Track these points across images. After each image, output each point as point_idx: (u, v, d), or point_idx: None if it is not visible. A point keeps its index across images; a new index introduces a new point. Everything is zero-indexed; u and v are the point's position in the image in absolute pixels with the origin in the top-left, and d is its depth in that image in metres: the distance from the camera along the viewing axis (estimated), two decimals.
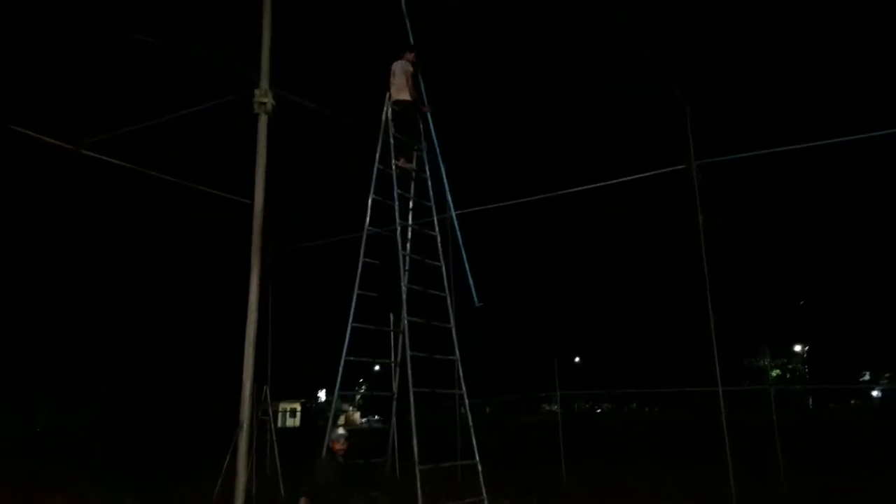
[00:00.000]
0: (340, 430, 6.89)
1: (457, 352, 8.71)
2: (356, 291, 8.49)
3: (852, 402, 53.65)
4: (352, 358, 8.39)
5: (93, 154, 8.91)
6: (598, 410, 61.68)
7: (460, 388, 8.73)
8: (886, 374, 51.70)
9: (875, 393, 52.98)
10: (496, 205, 11.30)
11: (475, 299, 9.15)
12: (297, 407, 71.42)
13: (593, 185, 9.32)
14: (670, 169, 7.68)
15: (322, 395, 74.70)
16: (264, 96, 3.89)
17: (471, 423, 8.34)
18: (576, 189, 9.68)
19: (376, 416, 67.48)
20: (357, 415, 74.09)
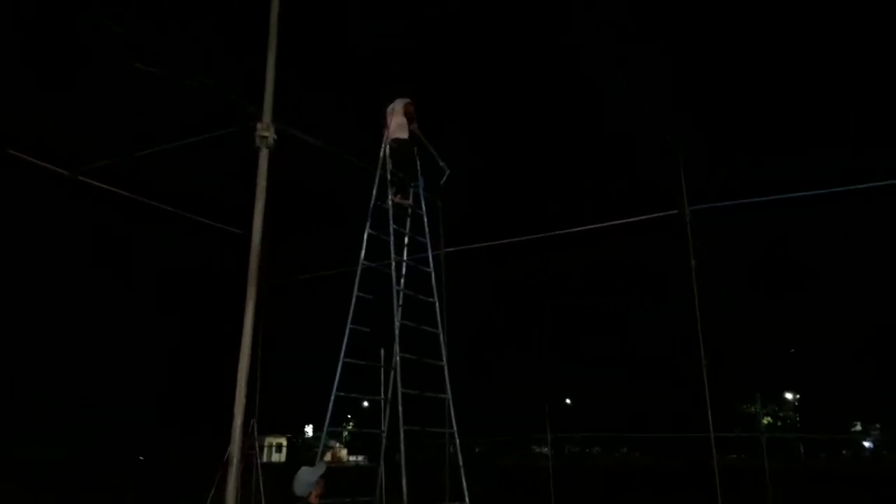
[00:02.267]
0: (311, 473, 5.41)
1: (448, 390, 8.65)
2: (349, 325, 8.46)
3: (843, 452, 53.27)
4: (342, 393, 8.32)
5: (89, 180, 8.96)
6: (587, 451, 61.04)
7: (451, 427, 8.64)
8: (877, 425, 51.46)
9: (866, 444, 52.63)
10: (487, 244, 11.38)
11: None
12: (284, 442, 70.38)
13: (586, 227, 9.42)
14: (663, 214, 7.76)
15: (309, 430, 73.66)
16: (266, 130, 3.93)
17: (461, 463, 8.25)
18: (569, 230, 9.77)
19: (359, 457, 66.49)
20: (344, 451, 73.01)
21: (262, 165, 3.98)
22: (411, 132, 9.42)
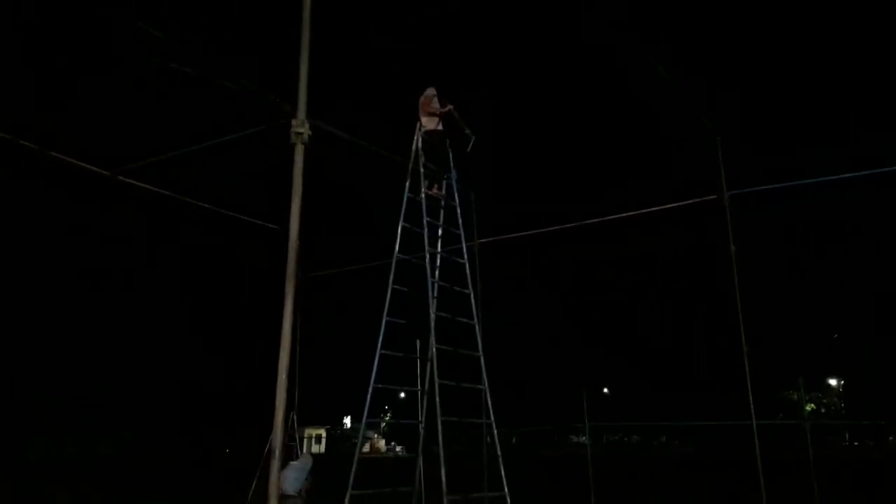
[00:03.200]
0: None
1: (485, 381, 8.66)
2: (385, 318, 8.53)
3: (890, 438, 52.00)
4: (379, 385, 8.40)
5: (128, 180, 9.16)
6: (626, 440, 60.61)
7: (488, 418, 8.66)
8: None
9: None
10: (523, 233, 11.33)
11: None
12: (323, 433, 71.35)
13: (623, 215, 9.30)
14: (701, 199, 7.64)
15: (348, 421, 74.54)
16: (301, 126, 3.97)
17: (499, 454, 8.26)
18: (605, 218, 9.67)
19: (398, 448, 67.00)
20: (382, 442, 73.75)
21: (297, 161, 4.02)
22: (448, 112, 9.42)
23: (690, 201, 7.71)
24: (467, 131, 9.31)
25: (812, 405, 53.09)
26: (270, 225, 10.80)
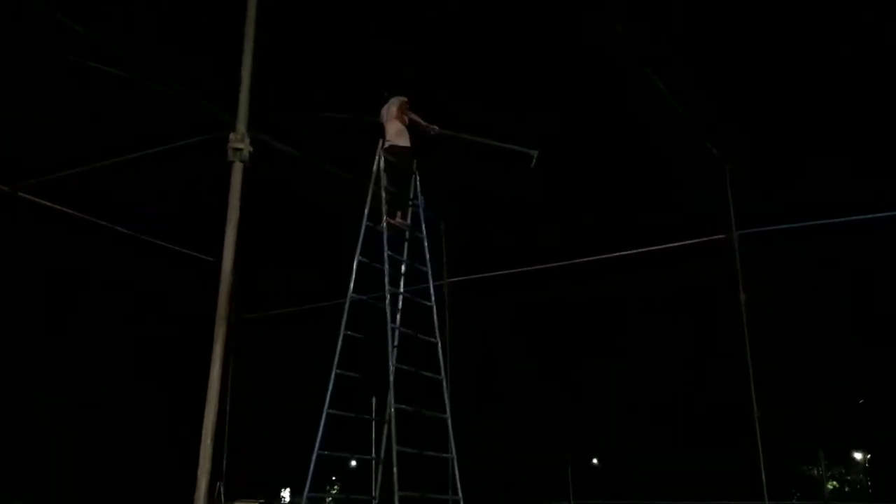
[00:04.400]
0: None
1: (453, 448, 8.60)
2: (335, 371, 8.45)
3: None
4: (325, 452, 8.28)
5: (32, 197, 9.03)
6: None
7: (456, 494, 8.58)
8: None
9: None
10: (501, 272, 11.41)
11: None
12: None
13: (618, 254, 9.44)
14: (707, 239, 7.79)
15: (286, 494, 73.06)
16: (240, 141, 3.98)
17: None
18: (598, 257, 9.79)
19: None
20: None
21: (234, 181, 4.02)
22: (430, 135, 9.47)
23: (695, 241, 7.85)
24: (532, 154, 9.21)
25: (834, 483, 53.57)
26: (202, 256, 10.73)
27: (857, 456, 56.11)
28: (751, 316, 7.89)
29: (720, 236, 7.90)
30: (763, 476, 7.62)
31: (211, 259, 10.66)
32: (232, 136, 4.01)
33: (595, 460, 57.11)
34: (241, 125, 3.99)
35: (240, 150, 3.97)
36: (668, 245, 8.52)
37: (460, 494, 8.52)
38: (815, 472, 39.33)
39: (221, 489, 12.13)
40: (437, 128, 9.54)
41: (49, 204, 9.00)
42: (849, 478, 56.44)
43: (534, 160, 9.06)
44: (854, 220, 8.44)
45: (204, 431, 3.72)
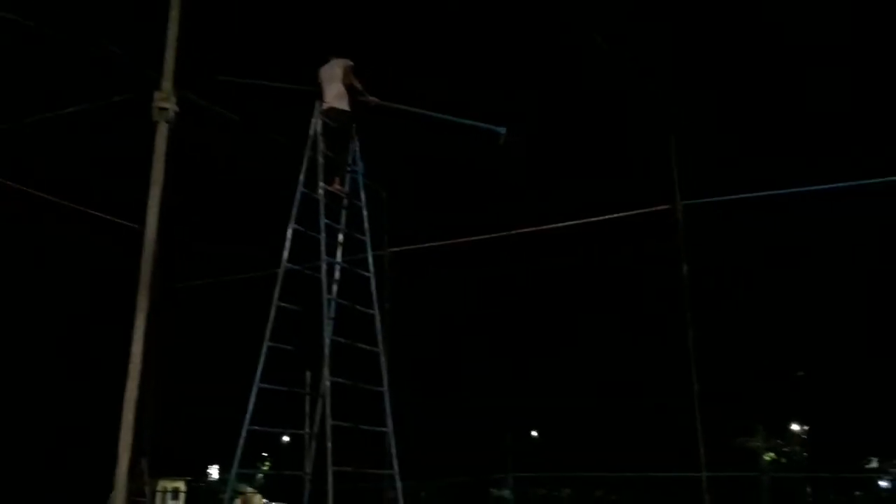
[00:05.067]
0: None
1: (389, 422, 8.65)
2: (266, 343, 8.39)
3: (857, 493, 55.07)
4: (256, 427, 8.24)
5: None
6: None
7: (391, 468, 8.65)
8: None
9: (883, 483, 54.49)
10: (442, 242, 11.43)
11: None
12: (182, 486, 69.19)
13: (560, 225, 9.54)
14: (651, 210, 7.92)
15: (215, 472, 72.53)
16: (166, 100, 3.87)
17: None
18: (540, 228, 9.88)
19: None
20: (258, 498, 72.15)
21: (159, 144, 3.93)
22: (369, 105, 9.38)
23: (638, 211, 7.98)
24: (500, 131, 9.02)
25: (772, 455, 55.52)
26: (125, 223, 10.48)
27: (795, 428, 58.27)
28: (693, 289, 8.07)
29: (664, 206, 8.04)
30: (701, 448, 7.86)
31: (137, 227, 10.43)
32: (157, 94, 3.90)
33: (535, 433, 58.16)
34: (167, 83, 3.89)
35: (165, 109, 3.87)
36: (612, 216, 8.63)
37: (396, 469, 8.58)
38: (753, 444, 40.71)
39: (146, 466, 11.98)
40: (377, 99, 9.47)
41: None
42: (786, 449, 58.63)
43: (502, 138, 9.01)
44: (798, 192, 8.68)
45: (125, 405, 3.67)
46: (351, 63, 9.44)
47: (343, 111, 9.28)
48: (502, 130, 9.01)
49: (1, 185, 8.96)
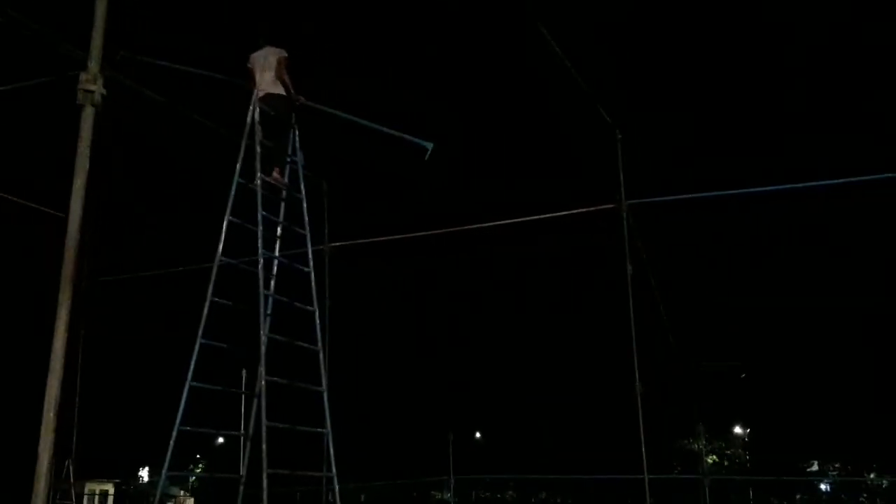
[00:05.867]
0: None
1: (328, 422, 8.60)
2: (199, 340, 8.26)
3: (798, 496, 56.67)
4: (188, 427, 8.12)
5: None
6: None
7: (330, 470, 8.61)
8: (836, 465, 54.89)
9: (823, 487, 56.16)
10: (384, 238, 11.42)
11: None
12: (110, 489, 67.84)
13: (503, 222, 9.60)
14: (595, 208, 8.02)
15: (145, 474, 71.28)
16: (92, 83, 3.77)
17: None
18: (483, 224, 9.93)
19: None
20: (191, 502, 71.18)
21: (85, 128, 3.82)
22: (296, 104, 9.29)
23: (583, 209, 8.07)
24: (427, 146, 8.91)
25: (714, 457, 56.77)
26: (49, 211, 10.22)
27: (738, 430, 59.66)
28: (636, 289, 8.20)
29: (609, 206, 8.14)
30: (643, 449, 7.99)
31: (62, 215, 10.17)
32: (82, 76, 3.79)
33: (478, 434, 58.47)
34: (94, 64, 3.79)
35: (91, 92, 3.76)
36: (556, 214, 8.71)
37: (334, 471, 8.55)
38: (696, 446, 41.58)
39: (70, 468, 11.71)
40: (303, 98, 9.38)
41: None
42: (728, 452, 60.00)
43: (428, 153, 8.97)
44: (744, 193, 8.88)
45: (46, 404, 3.57)
46: (286, 55, 9.33)
47: (281, 96, 9.19)
48: (429, 146, 8.98)
49: None
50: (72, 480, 11.85)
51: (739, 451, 60.03)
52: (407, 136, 9.01)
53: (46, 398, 3.62)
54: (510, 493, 63.41)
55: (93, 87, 3.76)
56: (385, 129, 9.10)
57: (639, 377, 7.96)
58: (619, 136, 8.23)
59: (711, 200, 8.78)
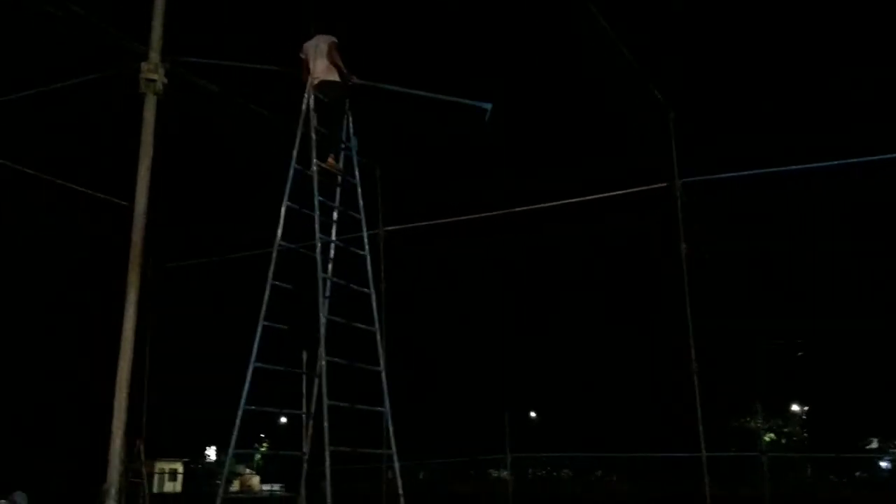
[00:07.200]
0: None
1: (387, 402, 8.65)
2: (261, 322, 8.37)
3: (857, 474, 55.45)
4: (252, 407, 8.24)
5: None
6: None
7: (389, 448, 8.66)
8: None
9: (884, 464, 54.84)
10: (437, 221, 11.41)
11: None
12: (179, 468, 69.50)
13: (557, 203, 9.51)
14: (649, 187, 7.89)
15: (212, 453, 72.87)
16: (153, 72, 3.82)
17: (401, 492, 8.29)
18: (537, 206, 9.85)
19: (275, 486, 66.24)
20: (256, 479, 72.56)
21: (148, 117, 3.88)
22: (351, 84, 9.30)
23: (636, 189, 7.95)
24: (486, 107, 8.87)
25: (772, 435, 55.82)
26: (115, 200, 10.44)
27: (795, 408, 58.57)
28: (692, 268, 8.06)
29: (662, 184, 8.01)
30: (700, 428, 7.87)
31: (126, 204, 10.38)
32: (144, 65, 3.84)
33: (533, 413, 58.43)
34: (155, 54, 3.83)
35: (153, 81, 3.81)
36: (610, 193, 8.59)
37: (394, 448, 8.60)
38: (753, 424, 40.92)
39: (142, 448, 12.01)
40: (356, 77, 9.38)
41: None
42: (786, 430, 58.95)
43: (488, 114, 8.90)
44: (797, 170, 8.65)
45: (118, 385, 3.65)
46: (335, 40, 9.36)
47: (335, 83, 9.21)
48: (488, 106, 8.91)
49: None
50: (142, 459, 12.15)
51: (797, 428, 58.96)
52: (464, 100, 8.96)
53: (118, 379, 3.69)
54: (566, 471, 63.31)
55: (154, 76, 3.81)
56: (441, 97, 9.06)
57: (695, 356, 7.83)
58: (672, 115, 8.07)
59: (767, 177, 8.58)
